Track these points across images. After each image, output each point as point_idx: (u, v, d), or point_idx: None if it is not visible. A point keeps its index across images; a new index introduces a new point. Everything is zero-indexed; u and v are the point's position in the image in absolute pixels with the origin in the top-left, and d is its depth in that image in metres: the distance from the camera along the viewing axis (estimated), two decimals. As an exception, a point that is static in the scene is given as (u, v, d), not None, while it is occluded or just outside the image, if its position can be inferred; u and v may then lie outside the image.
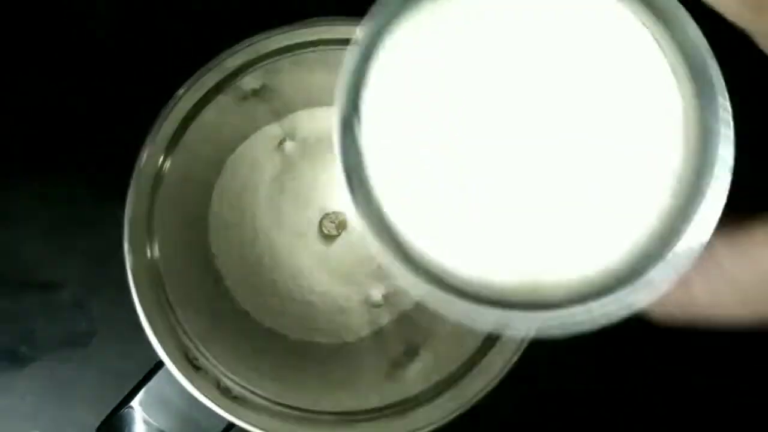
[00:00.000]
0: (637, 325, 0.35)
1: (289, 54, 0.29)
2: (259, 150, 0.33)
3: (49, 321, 0.34)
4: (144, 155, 0.27)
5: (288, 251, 0.34)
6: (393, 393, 0.30)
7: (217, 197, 0.33)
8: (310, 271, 0.34)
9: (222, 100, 0.29)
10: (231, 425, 0.28)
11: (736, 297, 0.14)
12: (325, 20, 0.27)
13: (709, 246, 0.13)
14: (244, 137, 0.33)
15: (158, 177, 0.28)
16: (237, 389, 0.28)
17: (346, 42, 0.28)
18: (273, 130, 0.33)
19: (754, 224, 0.13)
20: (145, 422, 0.29)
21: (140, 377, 0.30)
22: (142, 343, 0.27)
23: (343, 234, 0.34)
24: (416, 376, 0.31)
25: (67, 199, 0.35)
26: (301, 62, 0.29)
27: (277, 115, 0.33)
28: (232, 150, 0.33)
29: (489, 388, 0.28)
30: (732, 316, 0.14)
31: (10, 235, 0.35)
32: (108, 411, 0.30)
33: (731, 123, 0.13)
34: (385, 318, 0.34)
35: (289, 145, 0.33)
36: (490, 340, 0.29)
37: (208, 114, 0.29)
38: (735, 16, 0.13)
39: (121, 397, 0.30)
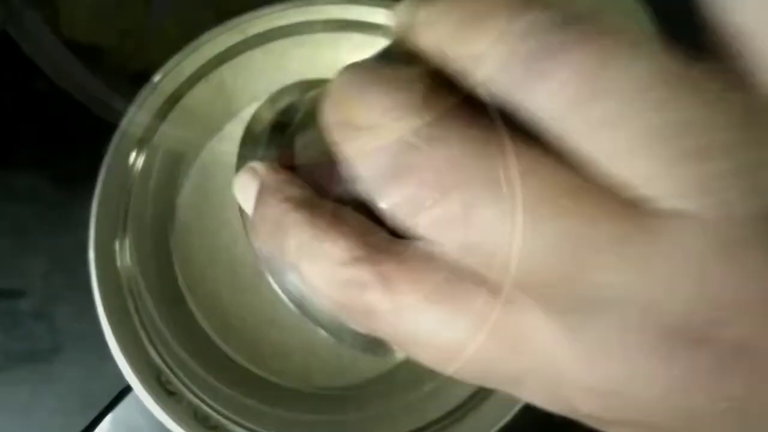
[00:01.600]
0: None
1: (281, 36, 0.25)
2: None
3: (7, 334, 0.31)
4: (113, 148, 0.24)
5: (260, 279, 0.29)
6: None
7: (184, 201, 0.29)
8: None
9: (202, 86, 0.25)
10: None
11: None
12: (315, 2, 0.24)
13: None
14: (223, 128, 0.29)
15: (130, 173, 0.25)
16: (216, 417, 0.25)
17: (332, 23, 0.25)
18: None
19: None
20: (111, 455, 0.26)
21: (108, 400, 0.28)
22: (112, 360, 0.25)
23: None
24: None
25: (29, 195, 0.32)
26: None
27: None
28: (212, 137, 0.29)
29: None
30: None
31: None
32: (71, 437, 0.27)
33: None
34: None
35: None
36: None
37: (188, 101, 0.25)
38: None
39: (86, 422, 0.28)
